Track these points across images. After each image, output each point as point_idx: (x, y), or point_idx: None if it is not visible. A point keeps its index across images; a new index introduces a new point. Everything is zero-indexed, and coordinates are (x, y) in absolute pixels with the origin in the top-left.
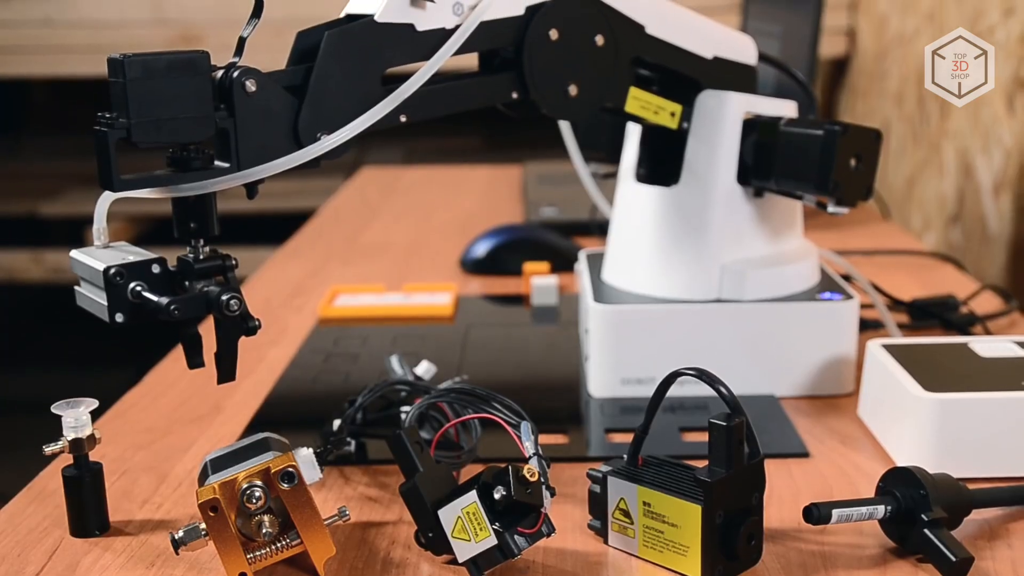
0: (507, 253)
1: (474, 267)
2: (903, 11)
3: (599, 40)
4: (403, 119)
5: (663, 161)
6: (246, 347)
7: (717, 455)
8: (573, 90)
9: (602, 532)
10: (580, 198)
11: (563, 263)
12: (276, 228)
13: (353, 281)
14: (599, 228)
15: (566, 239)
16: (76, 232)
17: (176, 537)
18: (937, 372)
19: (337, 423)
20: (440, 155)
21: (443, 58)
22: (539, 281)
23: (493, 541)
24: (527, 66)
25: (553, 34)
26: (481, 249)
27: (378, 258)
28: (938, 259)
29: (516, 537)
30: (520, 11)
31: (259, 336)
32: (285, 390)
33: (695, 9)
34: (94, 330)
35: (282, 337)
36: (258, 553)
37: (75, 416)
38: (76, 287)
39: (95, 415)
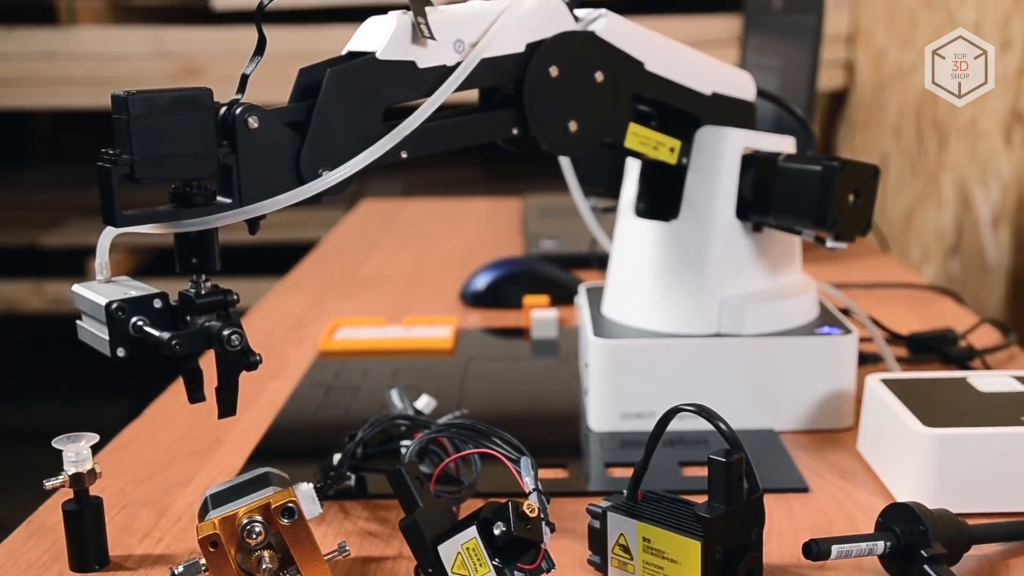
0: (507, 286)
1: (474, 300)
2: (901, 45)
3: (599, 77)
4: (404, 155)
5: (662, 196)
6: (246, 380)
7: (717, 491)
8: (573, 126)
9: (602, 568)
10: (580, 231)
11: (563, 296)
12: (277, 259)
13: (353, 313)
14: (599, 261)
15: (566, 272)
16: (77, 263)
17: (176, 572)
18: (936, 407)
19: (337, 457)
20: (440, 187)
21: (444, 95)
22: (539, 314)
23: None
24: (527, 102)
25: (553, 71)
26: (481, 282)
27: (378, 291)
28: (937, 292)
29: (516, 573)
30: (521, 48)
31: (259, 369)
32: (285, 423)
33: (695, 42)
34: (94, 361)
35: (282, 370)
36: None
37: (76, 450)
38: (78, 321)
39: (95, 448)
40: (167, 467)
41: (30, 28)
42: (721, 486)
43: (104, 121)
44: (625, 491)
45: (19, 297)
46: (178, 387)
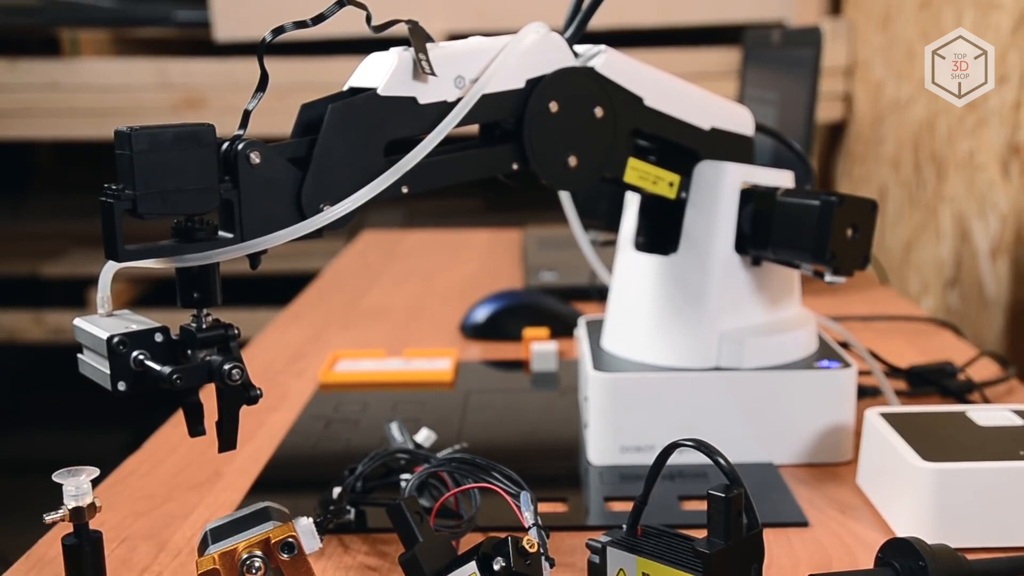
0: (507, 318)
1: (474, 332)
2: (898, 78)
3: (598, 112)
4: (404, 190)
5: (662, 230)
6: (246, 412)
7: (716, 526)
8: (573, 161)
9: None
10: (579, 262)
11: (563, 328)
12: (277, 290)
13: (354, 345)
14: (598, 293)
15: (565, 304)
16: (78, 293)
17: None
18: (935, 441)
19: (337, 491)
20: (440, 217)
21: (445, 131)
22: (539, 347)
23: None
24: (527, 138)
25: (553, 106)
26: (481, 314)
27: (379, 322)
28: (935, 325)
29: None
30: (520, 84)
31: (260, 401)
32: (285, 456)
33: (693, 75)
34: (95, 392)
35: (282, 402)
36: None
37: (76, 484)
38: (79, 355)
39: (95, 481)
40: (167, 500)
41: (33, 60)
42: (720, 521)
43: (106, 152)
44: (625, 525)
45: (20, 327)
46: (178, 419)
